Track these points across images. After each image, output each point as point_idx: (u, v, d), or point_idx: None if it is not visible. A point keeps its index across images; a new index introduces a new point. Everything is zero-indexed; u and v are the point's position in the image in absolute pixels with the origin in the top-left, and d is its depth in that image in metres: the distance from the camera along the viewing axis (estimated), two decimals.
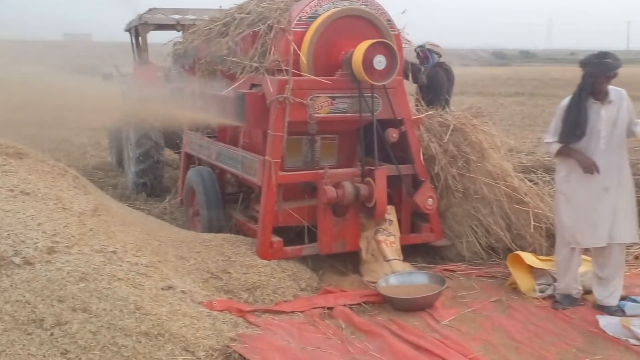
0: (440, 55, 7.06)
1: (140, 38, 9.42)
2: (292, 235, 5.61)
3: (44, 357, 3.52)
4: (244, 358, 3.92)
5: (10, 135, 5.50)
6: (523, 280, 5.13)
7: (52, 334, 3.65)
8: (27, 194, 4.68)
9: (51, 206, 4.66)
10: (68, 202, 4.82)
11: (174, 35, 8.13)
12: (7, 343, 3.54)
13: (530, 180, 6.11)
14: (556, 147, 4.75)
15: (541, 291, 5.06)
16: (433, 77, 6.84)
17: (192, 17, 8.76)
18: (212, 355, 3.88)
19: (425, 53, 6.92)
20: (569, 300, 4.84)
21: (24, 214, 4.42)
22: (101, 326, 3.75)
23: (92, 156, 11.89)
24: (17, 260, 4.02)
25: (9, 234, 4.18)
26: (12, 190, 4.64)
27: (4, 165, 4.95)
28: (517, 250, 5.47)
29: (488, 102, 20.10)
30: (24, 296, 3.81)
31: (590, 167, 4.56)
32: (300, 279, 5.15)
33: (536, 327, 4.52)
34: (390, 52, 5.12)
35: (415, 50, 6.74)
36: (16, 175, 4.86)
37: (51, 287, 3.90)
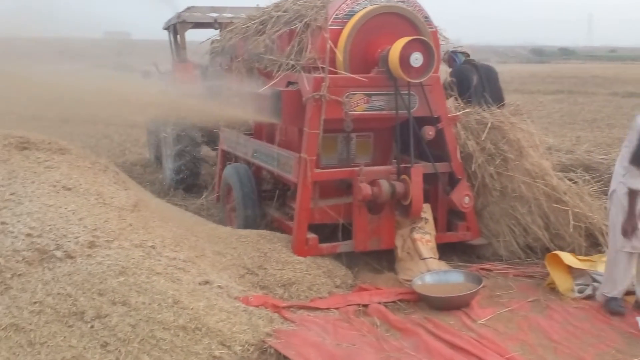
0: (467, 55, 6.93)
1: (178, 36, 9.54)
2: (327, 232, 5.62)
3: (85, 349, 3.60)
4: (279, 353, 3.94)
5: (52, 131, 5.63)
6: (561, 280, 5.06)
7: (92, 327, 3.73)
8: (69, 189, 4.78)
9: (92, 201, 4.76)
10: (109, 198, 4.91)
11: (211, 33, 8.22)
12: (49, 335, 3.63)
13: (570, 179, 6.01)
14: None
15: (580, 291, 4.98)
16: (458, 74, 6.73)
17: (230, 15, 8.84)
18: (248, 349, 3.91)
19: (450, 56, 6.83)
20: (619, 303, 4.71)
21: (65, 208, 4.52)
22: (140, 319, 3.81)
23: (131, 152, 12.08)
24: (59, 254, 4.12)
25: (51, 229, 4.28)
26: (54, 186, 4.75)
27: (47, 160, 5.07)
28: (555, 249, 5.40)
29: (526, 99, 19.81)
30: (66, 289, 3.90)
31: None
32: (335, 276, 5.16)
33: (574, 328, 4.46)
34: (427, 50, 5.09)
35: (442, 59, 6.68)
36: (58, 171, 4.97)
37: (92, 280, 3.98)
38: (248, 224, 6.04)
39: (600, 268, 5.04)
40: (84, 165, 5.26)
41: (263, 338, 4.05)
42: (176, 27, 9.53)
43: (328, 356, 3.95)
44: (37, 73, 6.18)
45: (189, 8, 9.39)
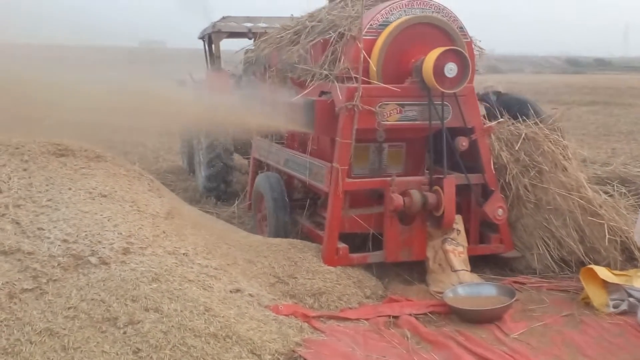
0: (499, 92, 6.81)
1: (213, 45, 9.64)
2: (358, 242, 5.61)
3: (117, 355, 3.64)
4: None
5: (88, 138, 5.72)
6: (596, 295, 4.96)
7: (125, 333, 3.76)
8: (105, 196, 4.85)
9: (127, 208, 4.82)
10: (143, 205, 4.97)
11: (246, 43, 8.29)
12: (82, 340, 3.68)
13: (606, 192, 5.92)
14: None
15: (615, 306, 4.88)
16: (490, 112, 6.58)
17: (264, 25, 8.91)
18: (278, 359, 3.91)
19: (483, 99, 6.74)
20: None
21: (101, 215, 4.58)
22: (172, 326, 3.84)
23: (164, 160, 12.23)
24: (93, 260, 4.18)
25: (86, 235, 4.35)
26: (90, 192, 4.82)
27: (84, 168, 5.15)
28: (590, 263, 5.31)
29: (561, 110, 19.53)
30: (99, 295, 3.95)
31: None
32: (365, 287, 5.14)
33: (609, 344, 4.36)
34: (461, 60, 5.07)
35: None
36: (95, 178, 5.04)
37: (125, 286, 4.03)
38: (279, 233, 6.06)
39: (637, 283, 4.93)
40: (120, 173, 5.34)
41: (293, 347, 4.05)
42: (211, 37, 9.63)
43: None
44: (74, 80, 6.29)
45: (224, 18, 9.50)
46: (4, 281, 3.91)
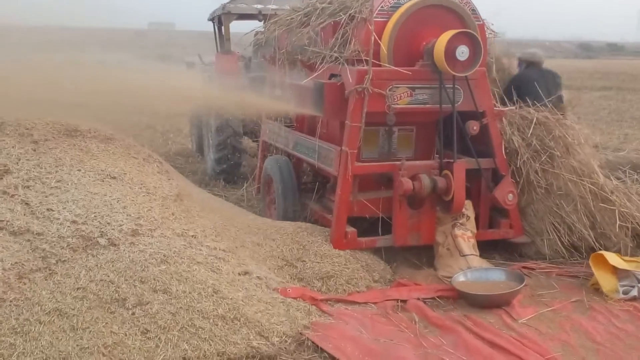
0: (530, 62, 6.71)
1: (223, 27, 9.59)
2: (366, 225, 5.60)
3: (125, 335, 3.67)
4: (317, 346, 3.95)
5: (98, 120, 5.72)
6: (606, 281, 4.94)
7: (133, 313, 3.79)
8: (114, 177, 4.86)
9: (136, 190, 4.82)
10: (152, 187, 4.97)
11: (255, 24, 8.24)
12: (91, 320, 3.70)
13: (618, 178, 5.87)
14: None
15: (624, 293, 4.86)
16: (519, 80, 6.49)
17: (274, 6, 8.83)
18: (286, 341, 3.94)
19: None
20: None
21: (110, 197, 4.59)
22: (180, 308, 3.86)
23: (173, 142, 12.24)
24: (102, 241, 4.19)
25: (95, 216, 4.36)
26: (99, 174, 4.83)
27: (93, 149, 5.15)
28: (600, 249, 5.28)
29: (573, 95, 19.37)
30: (108, 276, 3.97)
31: None
32: (373, 270, 5.14)
33: (618, 330, 4.35)
34: (473, 43, 5.01)
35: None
36: (104, 160, 5.05)
37: (134, 268, 4.05)
38: (287, 216, 6.06)
39: None
40: (129, 155, 5.34)
41: (300, 330, 4.07)
42: (221, 19, 9.58)
43: (365, 350, 3.94)
44: (83, 62, 6.28)
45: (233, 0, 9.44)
46: (14, 261, 3.93)
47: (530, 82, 6.16)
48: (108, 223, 4.33)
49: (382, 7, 5.19)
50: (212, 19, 10.16)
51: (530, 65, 6.57)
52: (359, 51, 5.16)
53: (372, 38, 5.08)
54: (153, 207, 4.69)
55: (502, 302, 4.70)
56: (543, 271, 5.35)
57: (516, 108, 5.78)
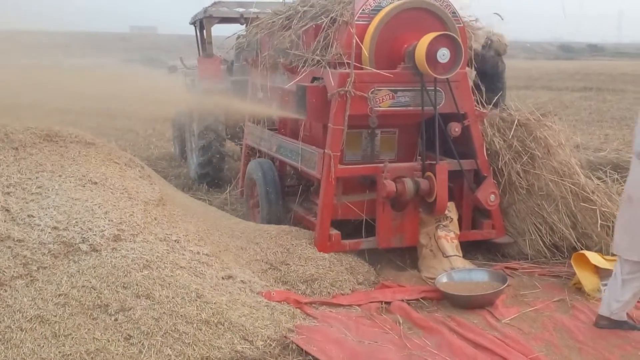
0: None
1: (204, 31, 9.57)
2: (350, 228, 5.61)
3: (108, 341, 3.64)
4: (301, 349, 3.94)
5: (79, 125, 5.68)
6: (588, 280, 4.98)
7: (116, 319, 3.76)
8: (95, 183, 4.83)
9: (118, 195, 4.80)
10: (134, 192, 4.95)
11: (237, 28, 8.24)
12: (73, 327, 3.67)
13: (598, 178, 5.92)
14: None
15: None
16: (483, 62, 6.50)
17: (256, 10, 8.83)
18: (270, 345, 3.92)
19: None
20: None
21: (91, 202, 4.56)
22: (163, 313, 3.84)
23: (156, 147, 12.18)
24: (84, 247, 4.16)
25: (77, 222, 4.33)
26: (81, 180, 4.80)
27: (74, 155, 5.11)
28: (582, 249, 5.32)
29: (554, 96, 19.57)
30: (90, 282, 3.94)
31: None
32: (357, 273, 5.14)
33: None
34: (454, 45, 5.04)
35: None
36: (85, 165, 5.01)
37: (116, 273, 4.02)
38: (271, 219, 6.05)
39: None
40: (110, 159, 5.31)
41: (285, 333, 4.06)
42: (202, 22, 9.56)
43: (350, 353, 3.94)
44: (63, 66, 6.24)
45: (215, 3, 9.42)
46: None
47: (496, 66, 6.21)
48: (90, 229, 4.29)
49: (363, 10, 5.20)
50: (193, 23, 10.13)
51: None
52: (340, 54, 5.17)
53: (354, 41, 5.09)
54: (135, 212, 4.67)
55: (486, 302, 4.72)
56: (525, 271, 5.39)
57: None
